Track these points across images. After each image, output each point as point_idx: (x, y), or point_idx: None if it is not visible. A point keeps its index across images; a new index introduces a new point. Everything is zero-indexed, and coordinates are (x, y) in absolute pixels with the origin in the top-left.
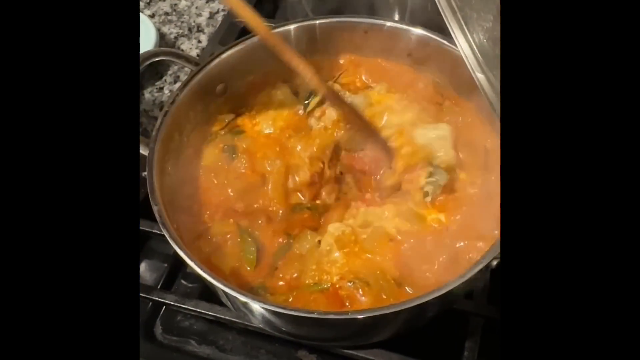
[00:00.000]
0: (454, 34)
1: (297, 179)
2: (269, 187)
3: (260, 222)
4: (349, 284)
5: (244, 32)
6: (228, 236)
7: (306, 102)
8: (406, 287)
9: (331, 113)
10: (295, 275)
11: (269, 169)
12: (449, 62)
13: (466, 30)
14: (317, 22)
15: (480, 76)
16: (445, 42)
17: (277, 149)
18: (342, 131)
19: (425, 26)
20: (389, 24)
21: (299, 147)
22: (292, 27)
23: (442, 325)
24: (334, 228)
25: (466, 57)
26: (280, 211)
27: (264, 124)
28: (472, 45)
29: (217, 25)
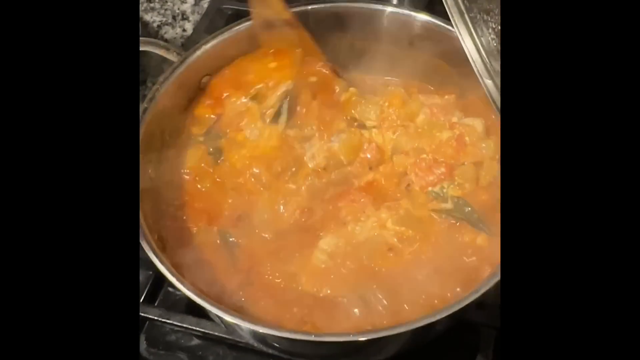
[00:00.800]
0: (461, 36)
1: (285, 214)
2: (256, 217)
3: (239, 241)
4: (343, 299)
5: (233, 18)
6: (212, 245)
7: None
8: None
9: (324, 151)
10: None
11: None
12: (455, 51)
13: (474, 32)
14: (309, 7)
15: (488, 82)
16: (452, 29)
17: (266, 178)
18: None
19: (427, 11)
20: (390, 9)
21: (291, 185)
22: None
23: (451, 337)
24: (326, 244)
25: (473, 61)
26: (269, 235)
27: (248, 130)
28: (479, 49)
29: (203, 12)
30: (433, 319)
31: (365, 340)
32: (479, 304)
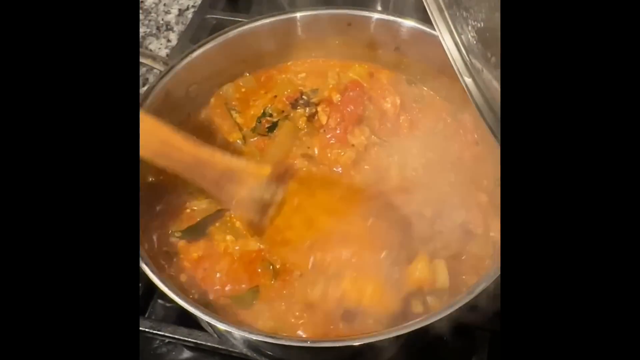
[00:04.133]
0: (441, 33)
1: None
2: None
3: None
4: None
5: (217, 28)
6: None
7: None
8: None
9: None
10: None
11: None
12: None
13: (454, 29)
14: (298, 14)
15: (468, 80)
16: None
17: None
18: None
19: (412, 16)
20: (377, 15)
21: None
22: (268, 20)
23: (445, 341)
24: None
25: (453, 59)
26: None
27: None
28: (459, 46)
29: (188, 23)
30: (427, 322)
31: (361, 345)
32: (472, 307)
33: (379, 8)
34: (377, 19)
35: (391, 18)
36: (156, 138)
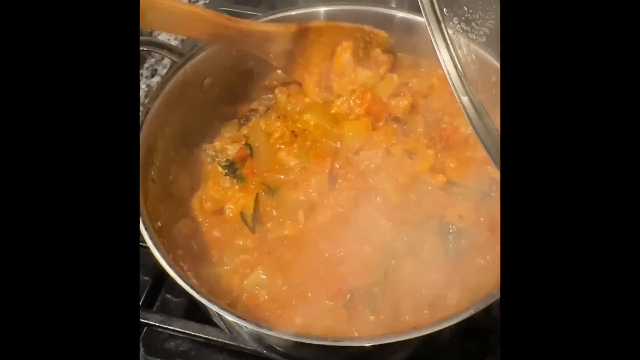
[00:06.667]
0: (437, 46)
1: None
2: None
3: None
4: None
5: None
6: None
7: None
8: None
9: None
10: None
11: None
12: None
13: (450, 44)
14: (322, 9)
15: (464, 99)
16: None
17: None
18: None
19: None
20: (400, 14)
21: None
22: (288, 14)
23: (458, 343)
24: None
25: (449, 75)
26: None
27: None
28: (456, 63)
29: None
30: (440, 327)
31: (373, 346)
32: (485, 310)
33: (393, 4)
34: (401, 18)
35: (415, 17)
36: (210, 22)
